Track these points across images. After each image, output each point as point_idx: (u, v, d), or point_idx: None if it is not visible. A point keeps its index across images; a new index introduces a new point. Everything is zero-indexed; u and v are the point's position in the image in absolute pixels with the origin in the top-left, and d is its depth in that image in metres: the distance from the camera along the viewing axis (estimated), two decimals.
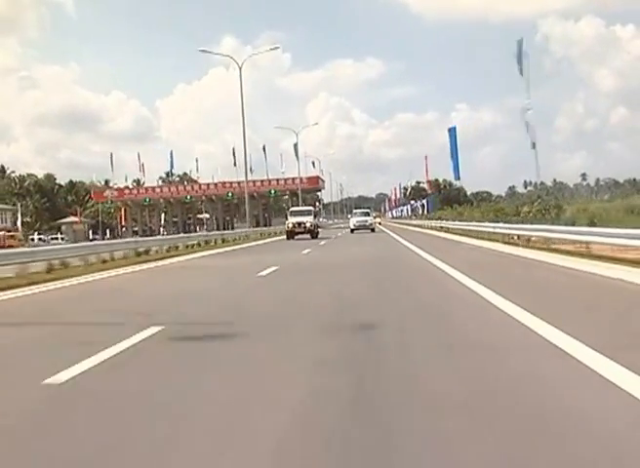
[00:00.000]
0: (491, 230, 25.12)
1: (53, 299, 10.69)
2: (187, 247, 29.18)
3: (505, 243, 21.45)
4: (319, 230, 42.41)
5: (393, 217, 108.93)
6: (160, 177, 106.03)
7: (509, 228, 22.90)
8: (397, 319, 6.86)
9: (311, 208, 45.27)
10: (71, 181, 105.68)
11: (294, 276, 13.49)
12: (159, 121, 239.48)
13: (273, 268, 14.57)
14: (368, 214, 50.75)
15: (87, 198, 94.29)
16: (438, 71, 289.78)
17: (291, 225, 39.24)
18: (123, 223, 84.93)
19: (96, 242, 34.27)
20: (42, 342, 6.41)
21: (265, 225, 67.49)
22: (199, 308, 8.50)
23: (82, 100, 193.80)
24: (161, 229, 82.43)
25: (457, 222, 37.70)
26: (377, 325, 6.40)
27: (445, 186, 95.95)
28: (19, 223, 73.89)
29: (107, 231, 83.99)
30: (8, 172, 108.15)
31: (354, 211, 61.79)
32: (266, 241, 39.77)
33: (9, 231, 61.68)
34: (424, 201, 79.67)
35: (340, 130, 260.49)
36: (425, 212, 75.54)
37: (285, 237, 39.52)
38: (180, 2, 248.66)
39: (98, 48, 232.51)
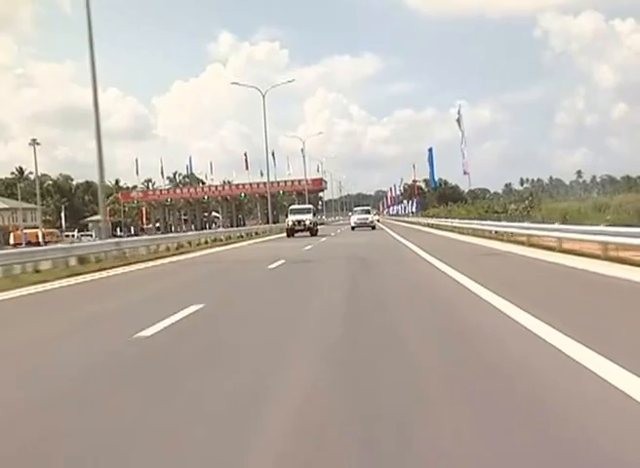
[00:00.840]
0: (474, 226, 28.88)
1: (125, 280, 15.10)
2: (215, 240, 34.86)
3: (477, 236, 26.28)
4: (318, 228, 42.77)
5: (391, 215, 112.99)
6: (168, 177, 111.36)
7: (482, 224, 27.56)
8: (376, 258, 15.10)
9: (310, 206, 45.19)
10: (87, 182, 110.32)
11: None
12: (156, 118, 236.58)
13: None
14: (368, 212, 51.37)
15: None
16: (436, 67, 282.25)
17: (291, 223, 39.63)
18: (144, 221, 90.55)
19: (144, 237, 38.76)
20: (143, 304, 9.69)
21: (275, 222, 72.37)
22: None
23: (79, 98, 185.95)
24: (182, 226, 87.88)
25: (442, 219, 42.21)
26: (367, 258, 13.89)
27: (441, 185, 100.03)
28: (38, 221, 78.48)
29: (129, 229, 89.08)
30: (26, 172, 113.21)
31: (355, 208, 63.05)
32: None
33: (48, 229, 67.27)
34: (413, 201, 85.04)
35: (338, 126, 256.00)
36: (413, 210, 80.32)
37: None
38: None
39: (96, 45, 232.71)
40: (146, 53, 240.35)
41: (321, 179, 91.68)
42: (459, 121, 42.51)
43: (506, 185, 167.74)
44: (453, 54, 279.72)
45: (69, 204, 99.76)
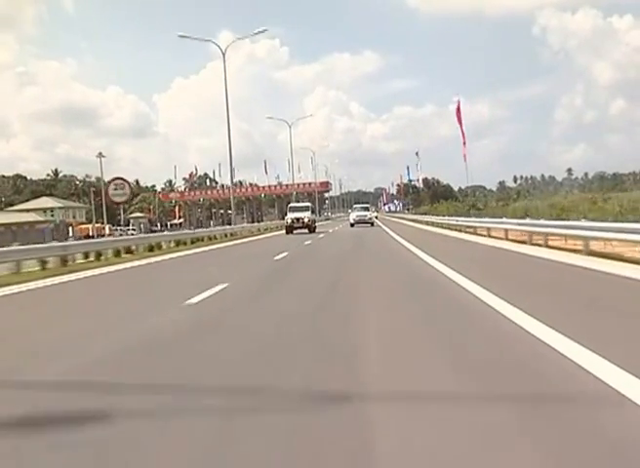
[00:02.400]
0: (450, 222, 31.88)
1: (174, 261, 20.01)
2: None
3: (443, 228, 31.48)
4: (316, 225, 41.91)
5: (387, 212, 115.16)
6: (184, 178, 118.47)
7: (449, 219, 32.21)
8: (367, 239, 19.82)
9: (309, 204, 44.25)
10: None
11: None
12: (157, 115, 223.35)
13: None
14: (367, 209, 50.85)
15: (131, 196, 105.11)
16: (435, 64, 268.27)
17: (290, 221, 38.82)
18: (178, 217, 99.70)
19: (186, 231, 45.57)
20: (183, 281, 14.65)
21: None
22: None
23: (80, 96, 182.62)
24: (211, 222, 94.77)
25: (426, 216, 46.26)
26: (363, 237, 18.52)
27: (434, 183, 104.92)
28: (67, 218, 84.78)
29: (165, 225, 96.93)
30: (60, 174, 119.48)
31: (354, 205, 63.29)
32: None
33: (100, 224, 75.11)
34: (399, 201, 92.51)
35: (338, 123, 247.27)
36: (399, 208, 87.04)
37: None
38: None
39: (95, 43, 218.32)
40: (146, 51, 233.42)
41: (327, 182, 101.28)
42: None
43: (500, 183, 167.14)
44: (452, 51, 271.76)
45: (101, 202, 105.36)
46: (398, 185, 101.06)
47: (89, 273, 15.02)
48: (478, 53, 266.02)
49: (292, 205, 43.55)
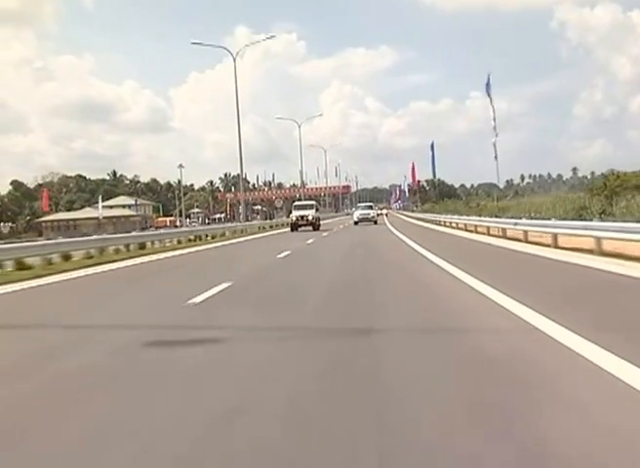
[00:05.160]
0: (438, 218, 36.09)
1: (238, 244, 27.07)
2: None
3: (439, 224, 36.03)
4: (320, 223, 39.95)
5: (398, 209, 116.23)
6: (220, 178, 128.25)
7: (450, 218, 36.21)
8: (368, 230, 24.39)
9: (313, 202, 42.45)
10: (169, 182, 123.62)
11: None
12: (173, 110, 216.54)
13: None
14: (371, 208, 49.75)
15: (179, 195, 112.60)
16: (452, 60, 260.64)
17: (294, 218, 37.39)
18: (226, 213, 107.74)
19: (235, 223, 52.33)
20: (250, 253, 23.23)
21: None
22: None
23: (96, 91, 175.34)
24: (257, 216, 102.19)
25: (426, 214, 48.56)
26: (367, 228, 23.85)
27: (439, 184, 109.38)
28: (138, 211, 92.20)
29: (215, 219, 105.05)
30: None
31: (358, 204, 62.99)
32: (326, 221, 56.02)
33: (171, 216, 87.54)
34: (401, 200, 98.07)
35: (353, 118, 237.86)
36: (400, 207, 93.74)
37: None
38: None
39: (112, 38, 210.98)
40: (162, 45, 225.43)
41: (349, 186, 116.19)
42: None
43: (507, 181, 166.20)
44: (468, 47, 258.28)
45: (158, 199, 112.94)
46: (408, 185, 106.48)
47: (210, 245, 24.37)
48: (495, 48, 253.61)
49: (296, 203, 41.83)
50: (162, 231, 32.51)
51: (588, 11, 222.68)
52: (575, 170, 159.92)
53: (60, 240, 18.29)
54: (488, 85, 29.53)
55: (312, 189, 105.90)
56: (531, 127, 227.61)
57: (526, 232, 17.10)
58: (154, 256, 18.51)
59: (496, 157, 27.29)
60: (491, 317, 5.75)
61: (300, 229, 36.13)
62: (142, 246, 21.90)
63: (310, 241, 22.78)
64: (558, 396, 3.23)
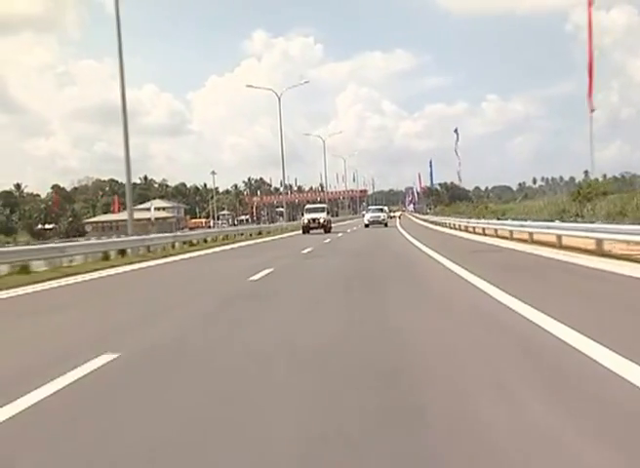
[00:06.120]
0: (448, 221, 37.49)
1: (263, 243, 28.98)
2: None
3: (443, 226, 39.63)
4: (332, 225, 39.03)
5: (411, 212, 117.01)
6: (243, 182, 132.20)
7: (452, 220, 37.86)
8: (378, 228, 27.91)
9: (325, 205, 42.55)
10: (196, 186, 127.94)
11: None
12: (191, 114, 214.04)
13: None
14: (381, 211, 49.19)
15: (207, 198, 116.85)
16: (468, 63, 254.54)
17: (306, 221, 37.18)
18: (251, 215, 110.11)
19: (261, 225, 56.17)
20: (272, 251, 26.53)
21: (336, 215, 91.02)
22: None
23: (117, 95, 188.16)
24: (280, 218, 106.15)
25: (437, 216, 50.06)
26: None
27: (451, 187, 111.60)
28: (176, 212, 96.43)
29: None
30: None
31: (369, 207, 62.63)
32: (345, 222, 60.35)
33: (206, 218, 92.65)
34: (414, 203, 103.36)
35: (370, 121, 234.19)
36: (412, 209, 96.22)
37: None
38: None
39: (133, 43, 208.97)
40: (181, 49, 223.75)
41: (366, 190, 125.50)
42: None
43: (520, 184, 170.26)
44: (484, 50, 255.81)
45: (187, 202, 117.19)
46: (422, 188, 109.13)
47: (239, 244, 27.37)
48: (511, 51, 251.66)
49: (308, 206, 41.85)
50: (214, 229, 37.15)
51: (604, 13, 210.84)
52: (586, 172, 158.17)
53: (152, 235, 23.06)
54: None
55: (332, 193, 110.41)
56: (547, 129, 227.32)
57: (511, 232, 20.16)
58: (209, 250, 22.83)
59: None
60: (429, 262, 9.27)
61: (311, 232, 35.72)
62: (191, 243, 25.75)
63: (327, 240, 25.50)
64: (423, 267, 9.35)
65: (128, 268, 15.32)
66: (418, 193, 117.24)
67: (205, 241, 28.08)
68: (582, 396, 3.15)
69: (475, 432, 2.69)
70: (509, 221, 21.58)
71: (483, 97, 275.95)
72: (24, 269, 13.52)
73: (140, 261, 17.35)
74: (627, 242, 12.32)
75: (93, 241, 25.02)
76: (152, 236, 22.41)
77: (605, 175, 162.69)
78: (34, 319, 7.22)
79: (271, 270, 11.98)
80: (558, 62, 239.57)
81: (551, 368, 3.78)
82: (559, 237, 15.56)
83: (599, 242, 12.83)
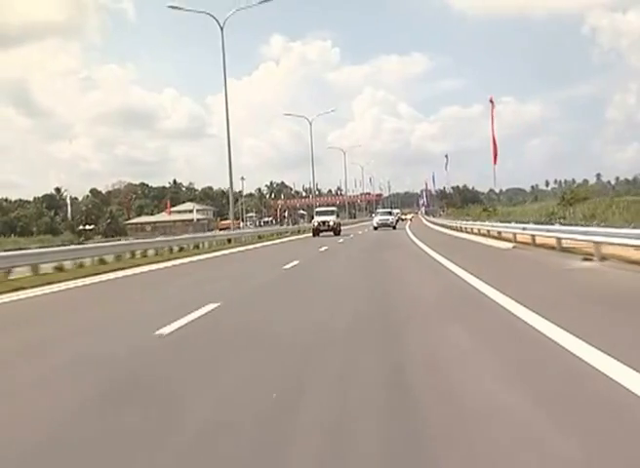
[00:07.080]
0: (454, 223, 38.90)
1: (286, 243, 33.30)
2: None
3: (450, 228, 42.71)
4: (341, 228, 39.18)
5: (423, 214, 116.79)
6: (266, 185, 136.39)
7: (459, 222, 40.48)
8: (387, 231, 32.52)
9: (334, 208, 42.04)
10: (222, 190, 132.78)
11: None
12: (210, 117, 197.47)
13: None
14: (390, 214, 49.57)
15: (234, 201, 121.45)
16: (484, 66, 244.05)
17: (316, 224, 37.58)
18: (275, 217, 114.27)
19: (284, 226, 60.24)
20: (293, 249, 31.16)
21: (354, 217, 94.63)
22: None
23: (138, 99, 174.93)
24: (301, 220, 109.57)
25: (447, 219, 50.58)
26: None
27: (463, 190, 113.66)
28: (191, 215, 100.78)
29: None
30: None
31: (377, 210, 64.06)
32: (362, 224, 63.82)
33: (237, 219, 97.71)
34: (425, 205, 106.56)
35: (386, 124, 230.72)
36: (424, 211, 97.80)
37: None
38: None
39: (153, 48, 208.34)
40: (200, 53, 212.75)
41: (381, 194, 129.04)
42: None
43: (532, 187, 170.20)
44: (500, 53, 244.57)
45: (214, 205, 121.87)
46: (430, 191, 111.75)
47: (277, 241, 32.74)
48: (527, 53, 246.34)
49: (318, 209, 41.92)
50: (248, 230, 41.28)
51: (620, 16, 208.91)
52: (599, 175, 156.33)
53: (198, 234, 27.15)
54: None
55: (350, 197, 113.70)
56: (563, 131, 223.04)
57: (499, 232, 23.58)
58: (250, 246, 27.74)
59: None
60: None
61: (321, 234, 35.75)
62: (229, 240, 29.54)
63: (341, 240, 28.49)
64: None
65: (210, 255, 21.65)
66: (431, 195, 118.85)
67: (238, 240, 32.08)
68: (443, 277, 10.49)
69: (403, 280, 10.90)
70: (499, 223, 24.92)
71: (499, 100, 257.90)
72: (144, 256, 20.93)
73: (206, 253, 23.37)
74: (576, 239, 15.59)
75: (182, 236, 30.12)
76: (206, 234, 26.43)
77: (617, 178, 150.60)
78: (162, 286, 12.12)
79: (298, 262, 15.42)
80: (574, 65, 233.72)
81: (437, 271, 11.52)
82: (533, 236, 18.91)
83: (558, 240, 16.13)
